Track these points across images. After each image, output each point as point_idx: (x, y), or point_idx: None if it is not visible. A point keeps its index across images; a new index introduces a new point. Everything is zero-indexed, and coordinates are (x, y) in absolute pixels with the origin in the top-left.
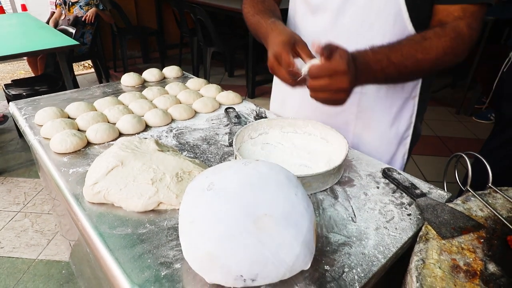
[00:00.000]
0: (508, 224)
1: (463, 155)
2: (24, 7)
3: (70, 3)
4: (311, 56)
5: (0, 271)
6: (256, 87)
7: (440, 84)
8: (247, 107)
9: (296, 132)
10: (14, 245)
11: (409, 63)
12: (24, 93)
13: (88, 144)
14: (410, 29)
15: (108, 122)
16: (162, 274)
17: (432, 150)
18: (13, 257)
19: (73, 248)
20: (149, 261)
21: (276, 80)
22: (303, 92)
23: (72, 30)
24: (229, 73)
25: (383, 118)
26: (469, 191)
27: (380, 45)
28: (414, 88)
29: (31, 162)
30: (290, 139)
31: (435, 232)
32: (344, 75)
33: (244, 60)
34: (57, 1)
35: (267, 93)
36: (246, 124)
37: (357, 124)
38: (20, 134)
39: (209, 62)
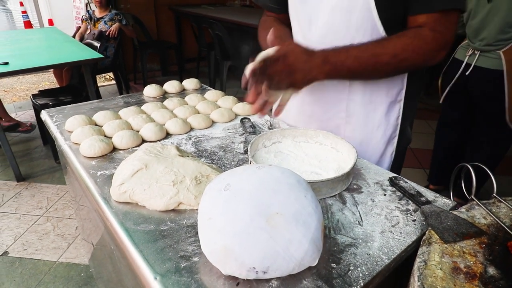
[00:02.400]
0: (510, 231)
1: (468, 165)
2: (51, 22)
3: (96, 18)
4: None
5: (23, 272)
6: None
7: None
8: (261, 118)
9: (308, 141)
10: (36, 248)
11: (368, 55)
12: (50, 103)
13: (114, 149)
14: None
15: (132, 129)
16: (182, 265)
17: None
18: (35, 259)
19: (94, 250)
20: (170, 254)
21: None
22: (300, 101)
23: (97, 44)
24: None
25: (370, 121)
26: (474, 200)
27: (342, 45)
28: (398, 93)
29: (54, 169)
30: (302, 148)
31: (438, 237)
32: (276, 62)
33: None
34: (83, 17)
35: None
36: (260, 133)
37: (347, 128)
38: (45, 142)
39: (225, 75)
